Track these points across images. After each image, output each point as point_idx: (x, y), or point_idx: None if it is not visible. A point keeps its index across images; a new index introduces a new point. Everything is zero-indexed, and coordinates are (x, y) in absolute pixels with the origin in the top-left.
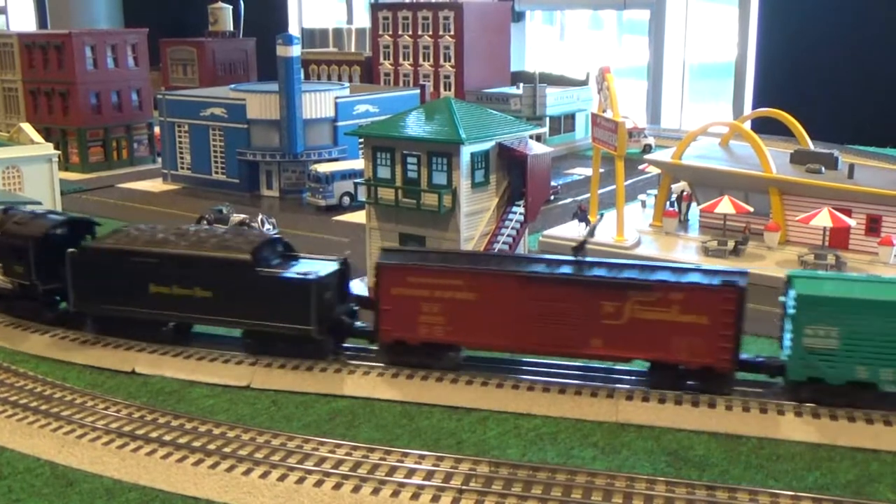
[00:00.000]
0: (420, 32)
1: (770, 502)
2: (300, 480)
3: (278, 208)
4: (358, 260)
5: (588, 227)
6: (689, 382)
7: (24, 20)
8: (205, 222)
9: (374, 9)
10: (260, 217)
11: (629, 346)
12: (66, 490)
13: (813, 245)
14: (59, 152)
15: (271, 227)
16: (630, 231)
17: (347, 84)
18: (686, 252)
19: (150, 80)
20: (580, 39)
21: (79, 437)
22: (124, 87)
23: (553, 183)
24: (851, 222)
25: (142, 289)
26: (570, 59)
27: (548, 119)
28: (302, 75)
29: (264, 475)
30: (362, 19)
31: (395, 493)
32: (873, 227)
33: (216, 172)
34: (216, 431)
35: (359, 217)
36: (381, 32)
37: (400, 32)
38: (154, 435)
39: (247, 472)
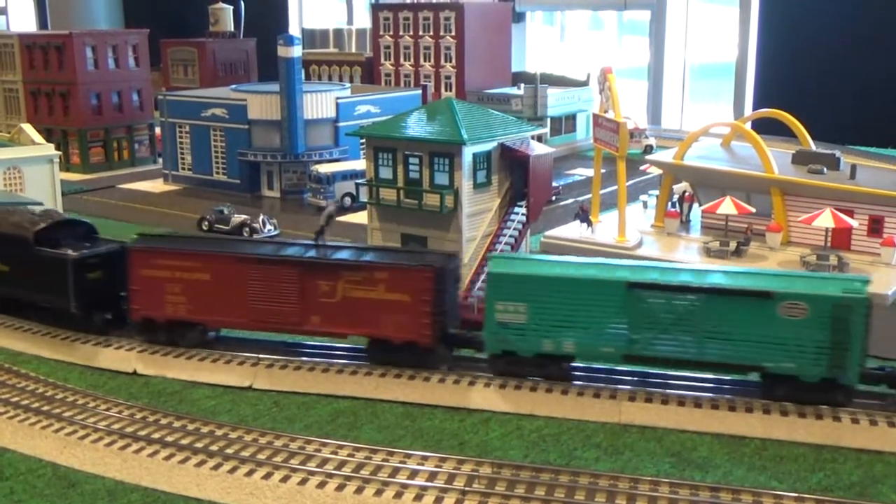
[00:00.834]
0: (421, 33)
1: (773, 503)
2: (303, 482)
3: (279, 209)
4: None
5: (325, 215)
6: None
7: (24, 21)
8: (206, 223)
9: (375, 9)
10: (261, 217)
11: (344, 323)
12: (68, 491)
13: (815, 246)
14: (59, 153)
15: (272, 227)
16: (632, 232)
17: (349, 84)
18: (688, 253)
19: (151, 80)
20: (580, 40)
21: (81, 438)
22: (125, 87)
23: (554, 184)
24: (854, 223)
25: None
26: (570, 60)
27: (549, 120)
28: (303, 76)
29: (267, 476)
30: (363, 20)
31: (398, 495)
32: (875, 227)
33: (217, 173)
34: (218, 432)
35: (360, 218)
36: (381, 33)
37: (401, 33)
38: (156, 436)
39: (249, 474)
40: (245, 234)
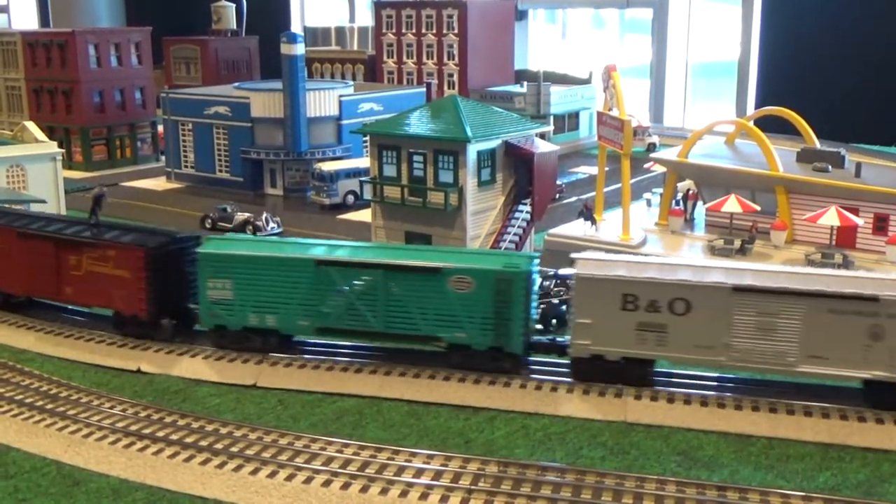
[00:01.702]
0: (424, 31)
1: (781, 502)
2: (308, 480)
3: (282, 207)
4: None
5: (93, 195)
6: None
7: (26, 19)
8: (209, 221)
9: (378, 7)
10: (264, 215)
11: (89, 295)
12: (73, 489)
13: (820, 244)
14: (62, 151)
15: (276, 225)
16: (636, 230)
17: (352, 82)
18: (692, 251)
19: (154, 78)
20: (582, 38)
21: (85, 436)
22: (128, 85)
23: (557, 182)
24: (859, 221)
25: None
26: (572, 58)
27: (552, 117)
28: (306, 74)
29: (272, 475)
30: (364, 18)
31: (404, 494)
32: (881, 225)
33: (220, 171)
34: (223, 431)
35: (362, 216)
36: (384, 31)
37: (403, 31)
38: (160, 434)
39: (254, 472)
40: (248, 232)
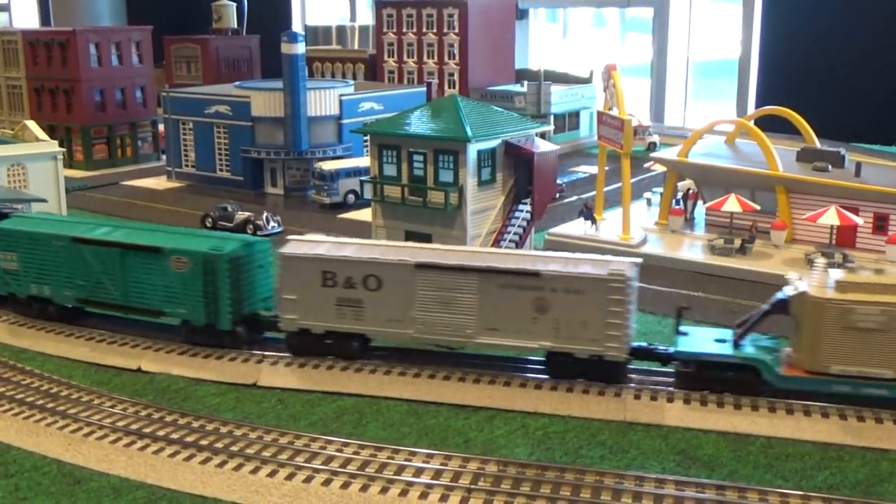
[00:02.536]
0: (424, 30)
1: (780, 502)
2: (308, 479)
3: (283, 206)
4: None
5: None
6: None
7: (26, 17)
8: (210, 220)
9: (378, 6)
10: (265, 215)
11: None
12: (73, 488)
13: (820, 243)
14: (63, 150)
15: (276, 224)
16: (636, 229)
17: (352, 82)
18: (692, 250)
19: (154, 77)
20: (583, 37)
21: (85, 435)
22: (128, 84)
23: (557, 181)
24: (859, 220)
25: None
26: (573, 57)
27: (552, 117)
28: (306, 73)
29: (272, 474)
30: (365, 17)
31: (404, 493)
32: (881, 225)
33: (221, 170)
34: (223, 430)
35: (363, 215)
36: (385, 30)
37: (404, 30)
38: (161, 433)
39: (254, 471)
40: (249, 231)
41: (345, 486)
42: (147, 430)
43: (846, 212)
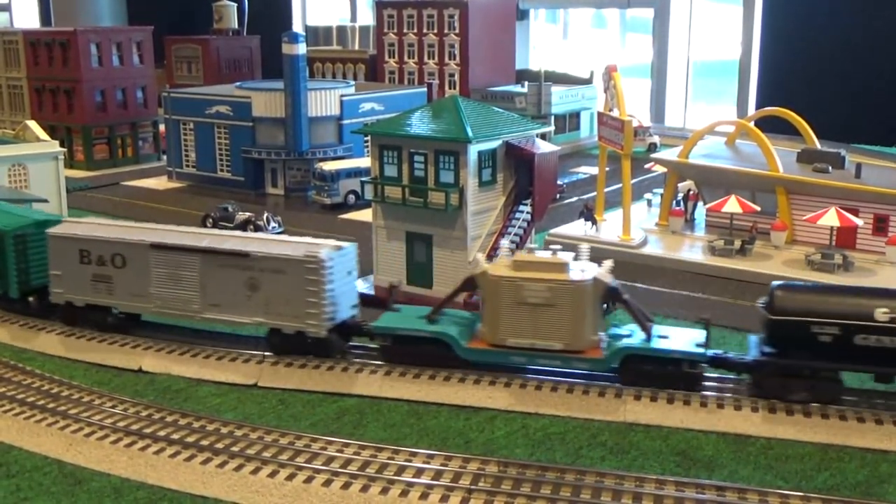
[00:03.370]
0: (425, 30)
1: (779, 503)
2: (308, 480)
3: (283, 206)
4: (365, 259)
5: None
6: None
7: (27, 17)
8: (210, 220)
9: (379, 7)
10: (265, 215)
11: None
12: (74, 489)
13: (820, 245)
14: (64, 150)
15: (276, 224)
16: (636, 230)
17: (353, 82)
18: (692, 251)
19: (155, 77)
20: (583, 38)
21: (86, 435)
22: (129, 84)
23: (558, 182)
24: (859, 222)
25: None
26: (573, 58)
27: (552, 118)
28: (307, 73)
29: (272, 474)
30: (366, 17)
31: (404, 493)
32: (881, 226)
33: (221, 170)
34: (224, 430)
35: (363, 215)
36: (385, 30)
37: (405, 30)
38: (162, 433)
39: (255, 472)
40: (249, 231)
41: (345, 486)
42: (148, 431)
43: (846, 213)
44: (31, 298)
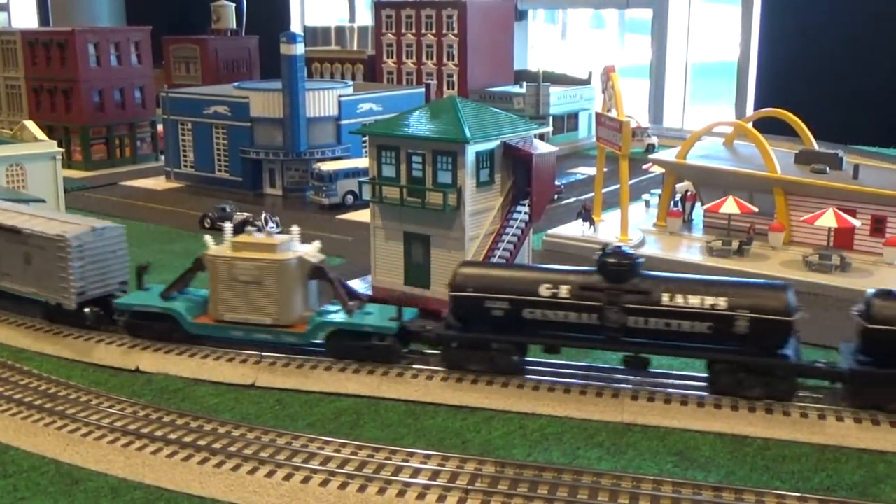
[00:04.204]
0: (423, 31)
1: (776, 503)
2: (305, 480)
3: (281, 206)
4: (363, 259)
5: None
6: None
7: (25, 17)
8: (208, 220)
9: (378, 7)
10: (263, 215)
11: None
12: (72, 488)
13: (817, 245)
14: (62, 150)
15: (275, 225)
16: (634, 231)
17: (351, 82)
18: (690, 252)
19: (153, 77)
20: (582, 38)
21: (84, 435)
22: (127, 84)
23: (556, 182)
24: (856, 223)
25: None
26: (572, 58)
27: (551, 118)
28: (305, 73)
29: (269, 474)
30: (364, 17)
31: (401, 493)
32: (878, 227)
33: (219, 170)
34: (221, 430)
35: (361, 216)
36: (384, 31)
37: (403, 31)
38: (159, 433)
39: (252, 472)
40: (247, 231)
41: (342, 486)
42: (145, 431)
43: (844, 214)
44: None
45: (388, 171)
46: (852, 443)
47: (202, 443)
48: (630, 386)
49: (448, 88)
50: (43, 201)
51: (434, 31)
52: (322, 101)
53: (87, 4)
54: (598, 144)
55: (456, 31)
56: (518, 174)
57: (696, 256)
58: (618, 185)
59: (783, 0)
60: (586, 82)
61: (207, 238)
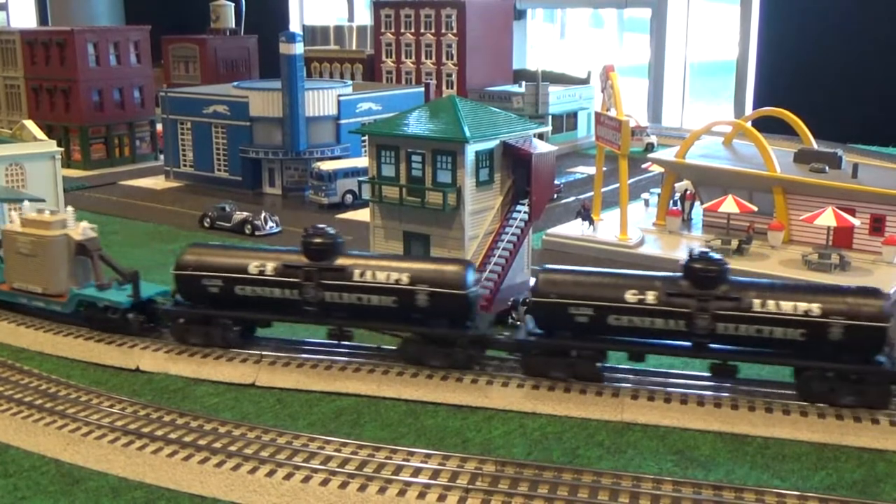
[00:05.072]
0: (422, 30)
1: (776, 502)
2: (306, 479)
3: (280, 206)
4: None
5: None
6: None
7: (24, 17)
8: (208, 220)
9: (377, 6)
10: (262, 214)
11: None
12: (72, 488)
13: (817, 244)
14: (61, 149)
15: (274, 224)
16: (633, 230)
17: (350, 82)
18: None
19: (153, 77)
20: (581, 38)
21: (84, 434)
22: (127, 84)
23: (555, 182)
24: (855, 222)
25: None
26: (571, 58)
27: (550, 117)
28: (304, 73)
29: (270, 474)
30: (363, 17)
31: (402, 493)
32: (877, 226)
33: (219, 170)
34: (221, 430)
35: (361, 215)
36: (383, 30)
37: (402, 30)
38: (159, 433)
39: (252, 471)
40: (247, 231)
41: (343, 485)
42: (145, 430)
43: (843, 213)
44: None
45: (388, 171)
46: (852, 441)
47: (202, 442)
48: (630, 385)
49: (447, 88)
50: (42, 201)
51: (433, 31)
52: (321, 100)
53: (85, 4)
54: (597, 144)
55: (455, 31)
56: (517, 174)
57: None
58: (617, 185)
59: None
60: (585, 81)
61: (14, 214)
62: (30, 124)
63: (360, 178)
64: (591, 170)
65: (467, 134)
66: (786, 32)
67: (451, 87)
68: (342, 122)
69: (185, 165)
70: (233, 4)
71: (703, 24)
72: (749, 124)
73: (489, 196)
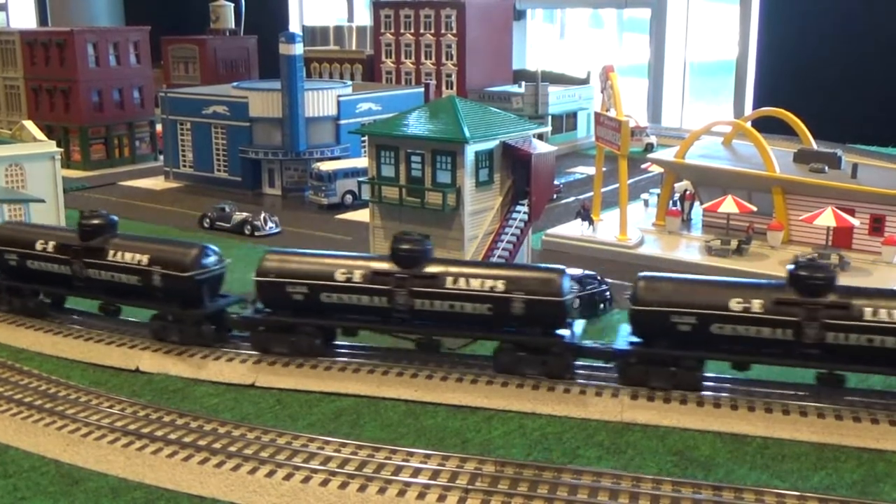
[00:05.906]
0: (422, 31)
1: (776, 502)
2: (306, 479)
3: (280, 206)
4: None
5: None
6: None
7: (24, 17)
8: (207, 220)
9: (376, 7)
10: (262, 215)
11: None
12: (72, 488)
13: (816, 245)
14: (61, 150)
15: (274, 225)
16: (633, 230)
17: (350, 82)
18: (689, 251)
19: (152, 77)
20: (581, 38)
21: (84, 435)
22: (126, 84)
23: (555, 182)
24: (855, 222)
25: None
26: (570, 58)
27: (549, 118)
28: (304, 73)
29: (270, 474)
30: (363, 17)
31: (401, 493)
32: (877, 226)
33: (218, 170)
34: (221, 430)
35: (361, 216)
36: (382, 30)
37: (402, 30)
38: (159, 433)
39: (252, 471)
40: (246, 231)
41: (342, 486)
42: (145, 431)
43: (843, 213)
44: None
45: (388, 171)
46: (852, 441)
47: (202, 443)
48: (629, 385)
49: (447, 88)
50: (42, 201)
51: (433, 31)
52: (321, 100)
53: (85, 4)
54: (596, 144)
55: (455, 31)
56: (517, 174)
57: (694, 256)
58: (617, 185)
59: None
60: (585, 82)
61: None
62: (29, 125)
63: (360, 179)
64: (591, 170)
65: (467, 134)
66: (785, 32)
67: (451, 88)
68: (342, 122)
69: (184, 166)
70: (232, 5)
71: (702, 24)
72: (749, 124)
73: (489, 196)
